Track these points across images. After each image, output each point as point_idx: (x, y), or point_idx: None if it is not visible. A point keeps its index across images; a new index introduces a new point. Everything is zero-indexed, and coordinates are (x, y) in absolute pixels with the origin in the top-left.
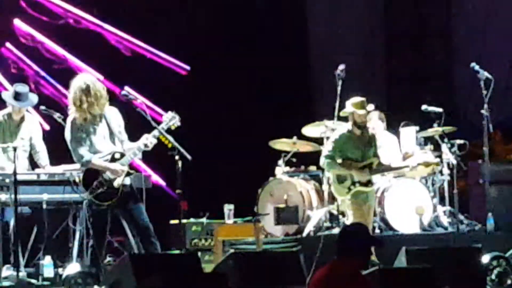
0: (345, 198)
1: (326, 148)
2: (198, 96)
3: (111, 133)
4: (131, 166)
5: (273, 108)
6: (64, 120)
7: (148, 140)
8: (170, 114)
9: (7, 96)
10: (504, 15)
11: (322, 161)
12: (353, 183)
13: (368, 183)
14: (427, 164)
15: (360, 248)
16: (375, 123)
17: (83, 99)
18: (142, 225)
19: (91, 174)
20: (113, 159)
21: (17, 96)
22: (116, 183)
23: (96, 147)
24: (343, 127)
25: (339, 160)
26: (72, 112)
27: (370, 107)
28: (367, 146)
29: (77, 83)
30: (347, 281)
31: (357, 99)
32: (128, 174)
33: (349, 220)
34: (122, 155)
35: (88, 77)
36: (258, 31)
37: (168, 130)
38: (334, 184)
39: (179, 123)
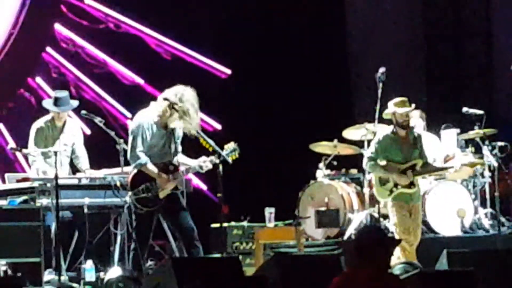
0: (387, 200)
1: (369, 150)
2: (239, 100)
3: (176, 143)
4: None
5: (313, 111)
6: (105, 124)
7: (205, 163)
8: (233, 145)
9: (48, 103)
10: None
11: (365, 162)
12: (395, 185)
13: (411, 185)
14: (472, 164)
15: (377, 249)
16: (416, 121)
17: (186, 110)
18: (186, 228)
19: (140, 178)
20: (166, 170)
21: (57, 102)
22: (162, 194)
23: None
24: (387, 129)
25: (382, 162)
26: (158, 112)
27: (412, 106)
28: (412, 147)
29: (187, 93)
30: (370, 283)
31: (399, 98)
32: (176, 188)
33: (391, 222)
34: (175, 168)
35: (194, 94)
36: (298, 33)
37: (225, 161)
38: (376, 186)
39: (237, 156)
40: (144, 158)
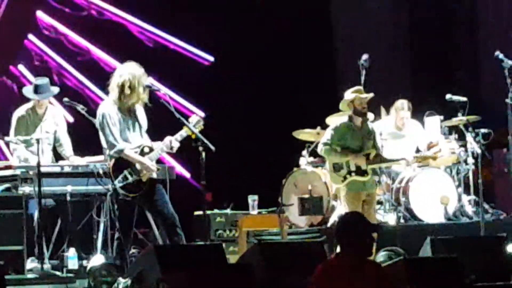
0: (340, 186)
1: (325, 137)
2: (222, 87)
3: (140, 126)
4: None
5: (297, 99)
6: (88, 112)
7: (173, 143)
8: (196, 117)
9: (28, 90)
10: None
11: (320, 148)
12: (349, 172)
13: (364, 172)
14: (423, 158)
15: (359, 236)
16: (402, 112)
17: (133, 87)
18: (168, 216)
19: (121, 164)
20: (142, 153)
21: (37, 89)
22: (144, 177)
23: (129, 139)
24: (343, 118)
25: (338, 149)
26: (113, 100)
27: (371, 94)
28: (367, 137)
29: (128, 70)
30: (352, 271)
31: (355, 87)
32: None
33: (342, 208)
34: (151, 149)
35: (136, 68)
36: (282, 21)
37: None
38: (330, 172)
39: (202, 127)
40: (121, 144)
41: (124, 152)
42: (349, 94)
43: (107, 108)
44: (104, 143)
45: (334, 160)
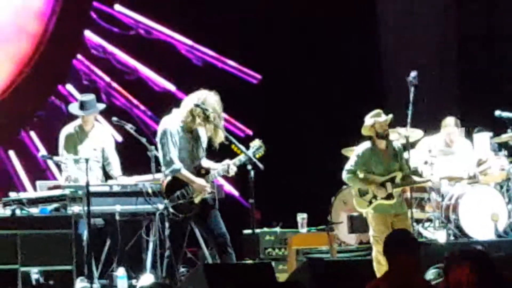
0: (367, 210)
1: (349, 163)
2: (270, 105)
3: (201, 147)
4: None
5: (346, 115)
6: (136, 131)
7: (230, 167)
8: (258, 142)
9: (73, 107)
10: None
11: (344, 175)
12: (374, 197)
13: (390, 196)
14: (450, 178)
15: (407, 253)
16: (451, 129)
17: (207, 115)
18: (219, 234)
19: (176, 184)
20: (198, 174)
21: (83, 105)
22: (197, 199)
23: (187, 159)
24: (366, 142)
25: (361, 175)
26: (181, 117)
27: (390, 117)
28: (392, 160)
29: (210, 98)
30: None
31: (374, 111)
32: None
33: (371, 231)
34: (207, 171)
35: (217, 98)
36: (329, 37)
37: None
38: (355, 197)
39: (263, 152)
40: (178, 164)
41: (180, 172)
42: (368, 120)
43: (171, 125)
44: (161, 160)
45: (359, 186)
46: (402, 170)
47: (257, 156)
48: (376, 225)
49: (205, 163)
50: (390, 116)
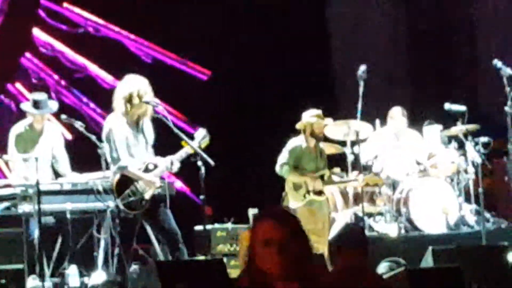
0: (300, 204)
1: (282, 157)
2: (220, 101)
3: (146, 141)
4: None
5: (295, 111)
6: (86, 128)
7: (173, 163)
8: (202, 132)
9: (27, 105)
10: None
11: (278, 168)
12: (308, 192)
13: (321, 193)
14: (372, 180)
15: (352, 247)
16: (399, 118)
17: (140, 98)
18: (170, 231)
19: (125, 181)
20: (147, 170)
21: (36, 104)
22: (147, 195)
23: (134, 154)
24: (297, 139)
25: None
26: (121, 113)
27: (328, 120)
28: (319, 158)
29: (135, 82)
30: (353, 282)
31: (315, 111)
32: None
33: (304, 227)
34: (155, 166)
35: (144, 81)
36: (280, 33)
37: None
38: (290, 191)
39: (208, 141)
40: (124, 162)
41: (127, 169)
42: (309, 117)
43: (115, 122)
44: (108, 158)
45: (294, 180)
46: (327, 169)
47: (202, 146)
48: (311, 219)
49: (153, 158)
50: (330, 120)
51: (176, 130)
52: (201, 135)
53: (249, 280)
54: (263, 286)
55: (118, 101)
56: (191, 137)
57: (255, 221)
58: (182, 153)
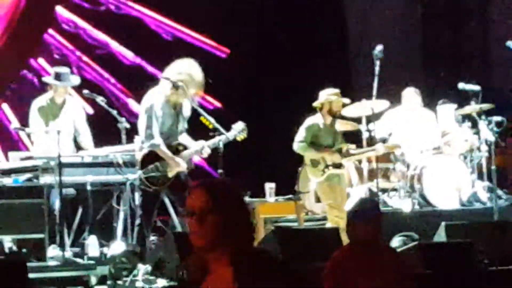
0: (320, 179)
1: (299, 135)
2: (239, 78)
3: (182, 122)
4: None
5: (313, 89)
6: (107, 103)
7: (204, 149)
8: (241, 125)
9: (48, 78)
10: None
11: (296, 146)
12: (327, 166)
13: (340, 165)
14: (391, 147)
15: (367, 222)
16: (412, 98)
17: (189, 85)
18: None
19: (151, 157)
20: (177, 151)
21: (58, 77)
22: (170, 173)
23: (168, 133)
24: (315, 117)
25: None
26: (165, 92)
27: (347, 100)
28: (336, 134)
29: (188, 67)
30: (367, 256)
31: (333, 90)
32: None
33: (323, 201)
34: (185, 148)
35: (197, 66)
36: (296, 14)
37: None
38: (309, 167)
39: (246, 135)
40: (158, 140)
41: (159, 148)
42: (327, 95)
43: (156, 99)
44: (142, 132)
45: (311, 156)
46: (344, 143)
47: (238, 138)
48: (332, 194)
49: (184, 138)
50: (348, 100)
51: (213, 121)
52: (239, 128)
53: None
54: (200, 259)
55: (166, 82)
56: (226, 127)
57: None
58: (215, 141)
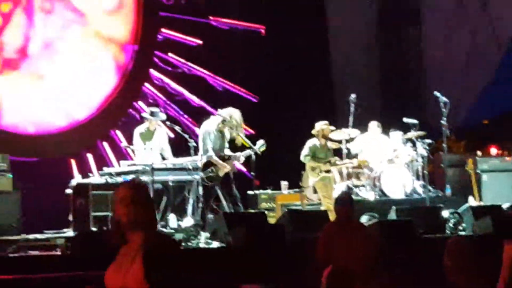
0: (316, 179)
1: (304, 151)
2: (264, 114)
3: (226, 142)
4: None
5: (312, 121)
6: (182, 130)
7: (240, 158)
8: (262, 141)
9: (146, 114)
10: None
11: (302, 157)
12: (321, 171)
13: (328, 171)
14: (361, 161)
15: (339, 207)
16: (374, 129)
17: (232, 125)
18: (232, 194)
19: (209, 164)
20: (223, 159)
21: (152, 114)
22: (221, 173)
23: (217, 148)
24: (313, 139)
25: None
26: (217, 123)
27: (332, 128)
28: (328, 150)
29: (236, 115)
30: (345, 227)
31: (325, 121)
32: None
33: (319, 194)
34: (229, 157)
35: (240, 115)
36: (299, 70)
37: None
38: (309, 171)
39: (265, 148)
40: (211, 152)
41: (212, 157)
42: (321, 125)
43: (210, 126)
44: (200, 147)
45: (311, 164)
46: (334, 157)
47: (261, 150)
48: (325, 188)
49: (227, 151)
50: (332, 127)
51: (248, 141)
52: (260, 143)
53: (114, 231)
54: (121, 235)
55: (218, 117)
56: (254, 143)
57: (117, 188)
58: (247, 152)
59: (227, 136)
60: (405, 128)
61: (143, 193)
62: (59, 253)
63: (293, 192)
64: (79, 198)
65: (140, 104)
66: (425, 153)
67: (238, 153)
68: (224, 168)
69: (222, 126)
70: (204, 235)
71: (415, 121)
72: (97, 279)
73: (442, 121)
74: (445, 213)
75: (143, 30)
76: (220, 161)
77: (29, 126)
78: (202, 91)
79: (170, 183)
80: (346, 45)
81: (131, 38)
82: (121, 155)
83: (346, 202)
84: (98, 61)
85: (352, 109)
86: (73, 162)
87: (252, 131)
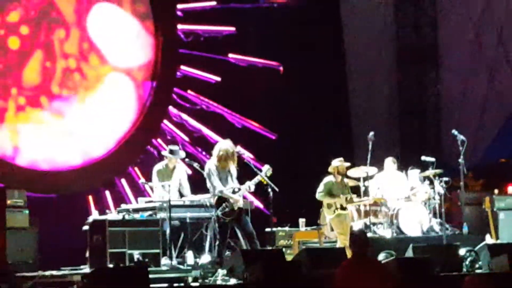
0: (332, 216)
1: (320, 188)
2: (282, 151)
3: (232, 176)
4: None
5: (328, 158)
6: (201, 167)
7: (250, 186)
8: (267, 166)
9: (165, 152)
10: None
11: (317, 195)
12: (336, 208)
13: (345, 208)
14: (378, 199)
15: (361, 244)
16: (389, 165)
17: (227, 156)
18: (249, 231)
19: (221, 200)
20: (233, 192)
21: (171, 152)
22: (235, 207)
23: (225, 184)
24: (329, 176)
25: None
26: (215, 161)
27: (347, 164)
28: (344, 187)
29: (224, 146)
30: (362, 265)
31: (340, 158)
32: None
33: (335, 231)
34: (239, 189)
35: (229, 144)
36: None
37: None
38: (325, 208)
39: (271, 172)
40: (219, 187)
41: (222, 192)
42: (335, 162)
43: (211, 166)
44: (209, 186)
45: (327, 201)
46: (350, 194)
47: (268, 174)
48: (340, 226)
49: (235, 184)
50: (348, 164)
51: (255, 169)
52: (266, 168)
53: None
54: None
55: (214, 155)
56: (260, 169)
57: None
58: (255, 180)
59: (233, 170)
60: (423, 166)
61: None
62: None
63: (310, 229)
64: (96, 235)
65: (159, 141)
66: (442, 191)
67: (247, 183)
68: (236, 200)
69: (218, 161)
70: (221, 272)
71: (432, 159)
72: None
73: (459, 160)
74: (462, 251)
75: (162, 67)
76: (231, 195)
77: (43, 163)
78: (221, 128)
79: (188, 220)
80: (364, 83)
81: (150, 75)
82: (139, 192)
83: (361, 240)
84: (117, 97)
85: (370, 146)
86: (90, 198)
87: (252, 157)
